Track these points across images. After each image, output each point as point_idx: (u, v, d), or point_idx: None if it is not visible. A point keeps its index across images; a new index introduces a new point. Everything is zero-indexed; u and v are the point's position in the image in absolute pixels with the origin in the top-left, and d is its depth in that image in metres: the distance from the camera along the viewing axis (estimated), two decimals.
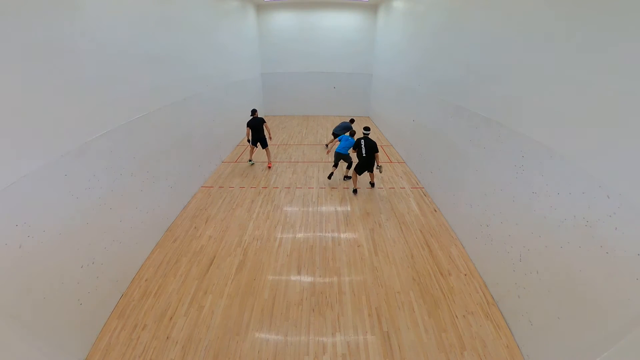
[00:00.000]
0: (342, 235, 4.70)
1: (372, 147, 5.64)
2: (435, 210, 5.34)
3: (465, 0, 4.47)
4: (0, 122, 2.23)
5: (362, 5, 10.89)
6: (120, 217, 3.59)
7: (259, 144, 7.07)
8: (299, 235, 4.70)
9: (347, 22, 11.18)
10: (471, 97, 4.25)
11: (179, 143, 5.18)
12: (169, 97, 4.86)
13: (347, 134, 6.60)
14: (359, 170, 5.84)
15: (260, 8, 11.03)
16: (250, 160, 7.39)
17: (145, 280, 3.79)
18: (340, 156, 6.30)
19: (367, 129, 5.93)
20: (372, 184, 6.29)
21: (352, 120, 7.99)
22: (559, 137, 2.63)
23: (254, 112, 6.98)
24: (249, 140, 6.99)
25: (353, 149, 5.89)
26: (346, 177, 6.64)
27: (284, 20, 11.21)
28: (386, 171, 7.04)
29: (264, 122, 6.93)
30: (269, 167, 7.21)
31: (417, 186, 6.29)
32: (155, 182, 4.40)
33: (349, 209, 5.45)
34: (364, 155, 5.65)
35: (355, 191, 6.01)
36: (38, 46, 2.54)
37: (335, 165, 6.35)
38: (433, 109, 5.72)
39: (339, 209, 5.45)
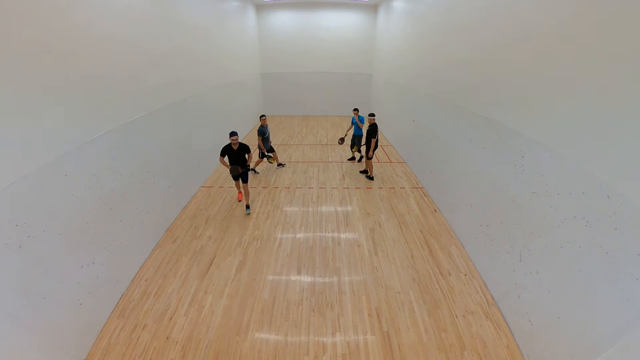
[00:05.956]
0: (342, 235, 4.70)
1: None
2: (435, 210, 5.34)
3: (466, 0, 4.47)
4: (0, 122, 2.23)
5: (362, 5, 10.89)
6: (120, 217, 3.58)
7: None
8: (299, 235, 4.70)
9: (347, 22, 11.18)
10: (471, 97, 4.25)
11: (179, 143, 5.18)
12: (169, 97, 4.86)
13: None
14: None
15: (260, 8, 11.03)
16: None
17: (145, 280, 3.79)
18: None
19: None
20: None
21: None
22: (559, 137, 2.63)
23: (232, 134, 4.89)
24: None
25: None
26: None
27: (284, 20, 11.22)
28: (386, 171, 7.04)
29: (248, 151, 5.05)
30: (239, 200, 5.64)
31: (417, 186, 6.29)
32: (155, 182, 4.40)
33: (349, 209, 5.45)
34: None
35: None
36: (38, 45, 2.54)
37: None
38: (433, 109, 5.72)
39: (339, 209, 5.45)
